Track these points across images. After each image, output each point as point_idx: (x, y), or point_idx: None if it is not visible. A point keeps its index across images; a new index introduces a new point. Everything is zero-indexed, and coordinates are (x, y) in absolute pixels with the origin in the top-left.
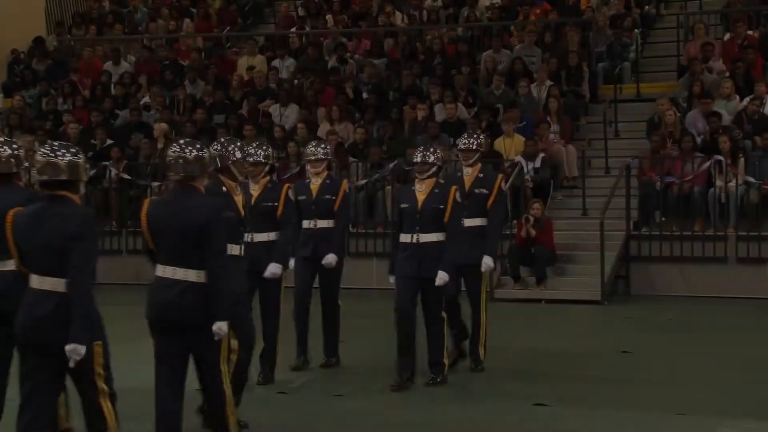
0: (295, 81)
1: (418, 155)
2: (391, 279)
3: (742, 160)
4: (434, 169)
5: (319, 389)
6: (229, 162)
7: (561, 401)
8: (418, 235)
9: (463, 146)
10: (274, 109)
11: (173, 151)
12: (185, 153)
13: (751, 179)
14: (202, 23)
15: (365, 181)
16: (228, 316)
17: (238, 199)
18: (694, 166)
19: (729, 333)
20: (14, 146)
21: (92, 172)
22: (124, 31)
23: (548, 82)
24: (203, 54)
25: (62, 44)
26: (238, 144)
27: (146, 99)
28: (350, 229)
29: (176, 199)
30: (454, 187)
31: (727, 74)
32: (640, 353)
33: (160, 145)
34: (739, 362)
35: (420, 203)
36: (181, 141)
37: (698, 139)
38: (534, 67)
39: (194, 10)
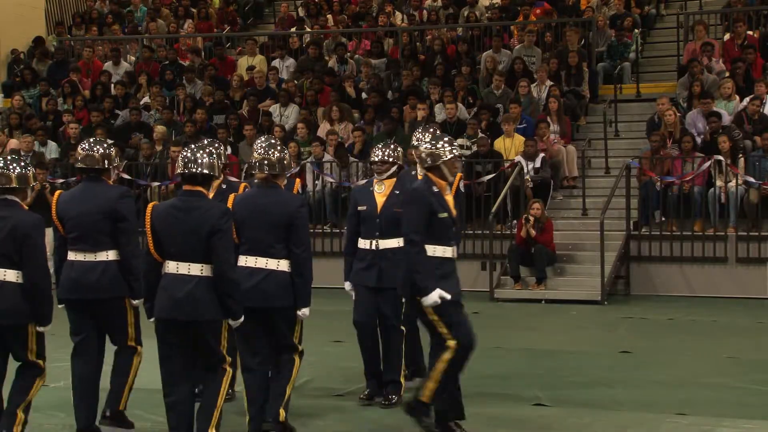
0: (296, 81)
1: (377, 153)
2: (347, 286)
3: (742, 160)
4: (394, 168)
5: (320, 389)
6: (441, 161)
7: (561, 401)
8: (377, 241)
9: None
10: (274, 109)
11: (258, 153)
12: (268, 155)
13: (751, 179)
14: (202, 23)
15: (365, 180)
16: (308, 303)
17: (449, 198)
18: (694, 166)
19: (729, 333)
20: (105, 145)
21: None
22: (124, 31)
23: (548, 82)
24: (203, 54)
25: (62, 44)
26: (446, 139)
27: (146, 99)
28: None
29: (261, 195)
30: None
31: (727, 74)
32: (640, 353)
33: (159, 147)
34: (739, 362)
35: (380, 206)
36: (264, 144)
37: (698, 139)
38: (534, 67)
39: (194, 10)
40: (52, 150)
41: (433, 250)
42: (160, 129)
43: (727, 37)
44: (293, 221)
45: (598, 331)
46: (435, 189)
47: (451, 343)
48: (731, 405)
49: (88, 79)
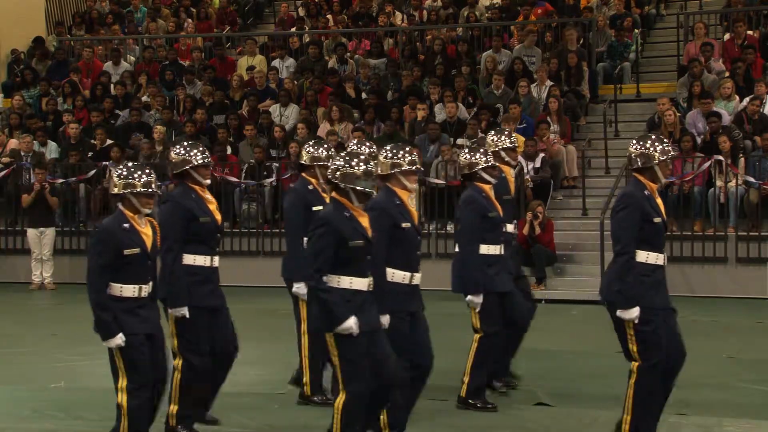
0: (295, 81)
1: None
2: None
3: (742, 160)
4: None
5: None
6: (654, 163)
7: (561, 401)
8: None
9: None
10: (274, 109)
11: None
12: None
13: (751, 179)
14: (202, 23)
15: None
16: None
17: (660, 201)
18: (694, 166)
19: (729, 333)
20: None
21: (92, 172)
22: (124, 31)
23: (548, 82)
24: (203, 54)
25: (62, 44)
26: (654, 137)
27: (146, 99)
28: None
29: None
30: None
31: (727, 74)
32: None
33: (159, 147)
34: (739, 362)
35: None
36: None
37: (698, 139)
38: (534, 67)
39: (194, 10)
40: (52, 150)
41: (646, 257)
42: (160, 129)
43: (727, 37)
44: None
45: (598, 331)
46: (646, 192)
47: (634, 365)
48: (731, 405)
49: (88, 79)
